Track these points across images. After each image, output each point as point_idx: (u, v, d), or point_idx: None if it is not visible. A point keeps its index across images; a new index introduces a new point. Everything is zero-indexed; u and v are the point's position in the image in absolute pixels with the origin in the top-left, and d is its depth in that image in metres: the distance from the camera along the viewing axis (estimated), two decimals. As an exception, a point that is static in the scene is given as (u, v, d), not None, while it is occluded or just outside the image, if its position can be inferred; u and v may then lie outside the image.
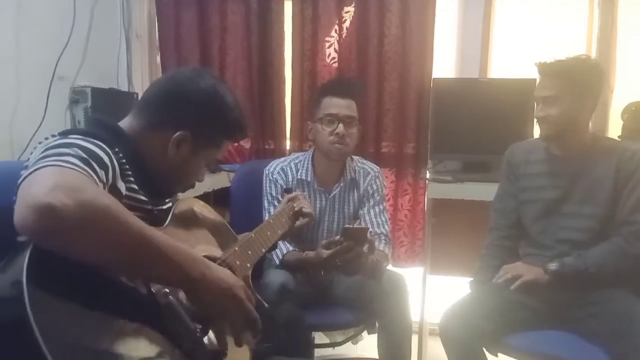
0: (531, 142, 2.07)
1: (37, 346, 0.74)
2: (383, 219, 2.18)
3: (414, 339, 2.07)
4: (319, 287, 2.11)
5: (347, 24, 2.77)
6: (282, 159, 2.24)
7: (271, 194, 2.14)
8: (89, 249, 0.84)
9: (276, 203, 2.07)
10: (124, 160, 1.09)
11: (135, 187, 1.12)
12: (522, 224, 1.99)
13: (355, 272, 1.89)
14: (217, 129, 1.24)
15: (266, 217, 2.06)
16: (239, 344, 1.08)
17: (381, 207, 2.20)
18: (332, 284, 2.13)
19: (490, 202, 2.11)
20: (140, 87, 2.89)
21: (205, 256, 1.05)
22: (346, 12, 2.76)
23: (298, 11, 2.78)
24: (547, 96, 1.84)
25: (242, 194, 2.35)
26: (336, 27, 2.78)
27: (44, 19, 2.24)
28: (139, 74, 2.95)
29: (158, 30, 2.97)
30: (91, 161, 0.94)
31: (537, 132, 1.97)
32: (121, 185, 1.07)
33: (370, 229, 2.03)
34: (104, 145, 1.03)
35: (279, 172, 2.16)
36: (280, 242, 1.94)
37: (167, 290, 1.00)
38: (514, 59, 2.78)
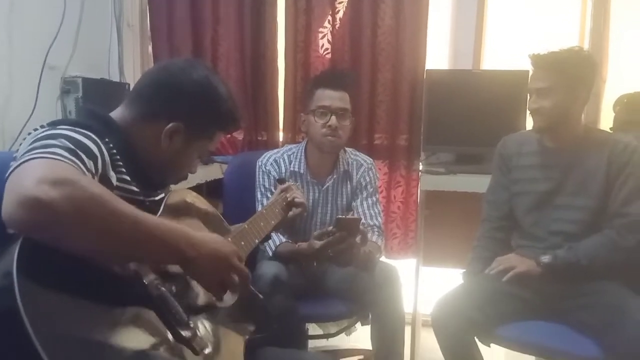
0: (524, 134, 2.08)
1: (27, 337, 0.73)
2: (376, 210, 2.18)
3: (407, 331, 2.07)
4: (312, 279, 2.11)
5: (340, 14, 2.76)
6: (275, 150, 2.24)
7: (264, 185, 2.13)
8: (80, 239, 0.83)
9: (269, 194, 2.07)
10: (114, 151, 1.08)
11: (127, 178, 1.11)
12: (515, 215, 2.00)
13: (347, 263, 1.89)
14: (210, 121, 1.23)
15: (259, 208, 2.05)
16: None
17: (374, 199, 2.20)
18: (325, 276, 2.13)
19: (483, 194, 2.12)
20: (132, 77, 2.86)
21: None
22: (339, 3, 2.75)
23: (291, 2, 2.76)
24: (540, 88, 1.84)
25: (235, 185, 2.34)
26: (329, 18, 2.76)
27: (34, 8, 2.21)
28: (131, 64, 2.92)
29: (150, 20, 2.94)
30: (79, 151, 0.94)
31: (529, 124, 1.97)
32: (112, 176, 1.06)
33: (363, 220, 2.03)
34: (93, 136, 1.02)
35: (272, 164, 2.15)
36: (273, 234, 1.93)
37: (159, 281, 0.99)
38: (507, 51, 2.78)
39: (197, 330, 1.03)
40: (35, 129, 1.04)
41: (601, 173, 1.83)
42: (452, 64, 2.85)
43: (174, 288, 1.05)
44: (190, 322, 1.02)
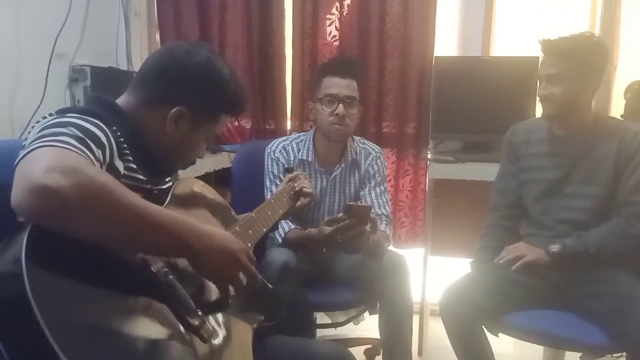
0: (533, 122, 2.05)
1: (36, 323, 0.74)
2: (384, 199, 2.17)
3: (415, 320, 2.08)
4: (321, 266, 2.12)
5: (348, 1, 2.73)
6: (284, 137, 2.24)
7: (273, 172, 2.13)
8: (87, 228, 0.84)
9: (278, 182, 2.07)
10: (122, 139, 1.08)
11: (134, 166, 1.11)
12: (523, 204, 1.99)
13: (356, 250, 1.89)
14: (214, 103, 1.22)
15: (268, 195, 2.06)
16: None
17: (382, 187, 2.20)
18: (334, 263, 2.13)
19: (492, 183, 2.11)
20: (140, 65, 2.85)
21: None
22: (347, -11, 2.73)
23: (299, -12, 2.74)
24: (550, 74, 1.81)
25: (243, 174, 2.35)
26: (337, 4, 2.74)
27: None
28: (138, 52, 2.91)
29: (157, 8, 2.94)
30: (87, 140, 0.94)
31: (539, 111, 1.95)
32: (119, 164, 1.06)
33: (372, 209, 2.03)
34: (101, 124, 1.02)
35: (280, 151, 2.15)
36: (282, 221, 1.94)
37: (167, 269, 1.00)
38: (516, 37, 2.75)
39: (206, 319, 1.04)
40: (44, 117, 1.04)
41: (610, 161, 1.81)
42: (461, 50, 2.82)
43: (183, 277, 1.04)
44: (199, 310, 1.02)
